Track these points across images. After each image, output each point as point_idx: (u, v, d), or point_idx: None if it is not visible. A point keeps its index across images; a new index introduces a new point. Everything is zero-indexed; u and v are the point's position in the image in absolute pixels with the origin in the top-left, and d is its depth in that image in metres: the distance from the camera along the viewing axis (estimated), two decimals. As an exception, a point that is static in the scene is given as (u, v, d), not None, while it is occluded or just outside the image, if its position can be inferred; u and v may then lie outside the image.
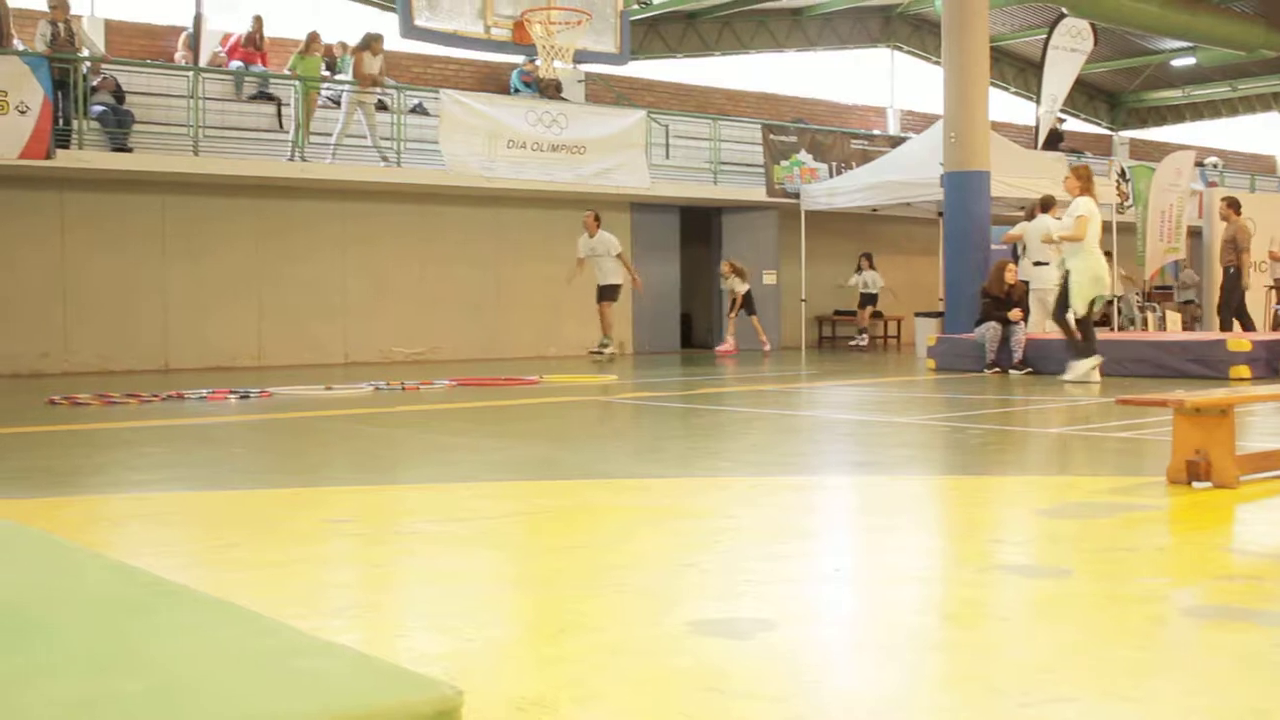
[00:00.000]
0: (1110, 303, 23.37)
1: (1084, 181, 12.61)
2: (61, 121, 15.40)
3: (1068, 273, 12.60)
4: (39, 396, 11.49)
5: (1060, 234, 12.68)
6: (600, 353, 18.10)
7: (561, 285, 18.58)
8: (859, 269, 22.25)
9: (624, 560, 4.16)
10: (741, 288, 19.85)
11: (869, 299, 22.00)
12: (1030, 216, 16.07)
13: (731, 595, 3.63)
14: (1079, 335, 12.75)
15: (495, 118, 18.07)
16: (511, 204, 19.53)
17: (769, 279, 22.00)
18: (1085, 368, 12.75)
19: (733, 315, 20.11)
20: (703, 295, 22.55)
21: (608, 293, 18.26)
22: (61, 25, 16.07)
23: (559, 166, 18.53)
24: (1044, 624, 3.39)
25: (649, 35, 24.53)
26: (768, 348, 20.17)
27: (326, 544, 4.64)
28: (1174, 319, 22.10)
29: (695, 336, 22.92)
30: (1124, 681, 2.80)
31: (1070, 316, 12.64)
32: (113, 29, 18.94)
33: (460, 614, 3.48)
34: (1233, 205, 18.25)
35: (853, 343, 22.30)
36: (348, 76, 18.07)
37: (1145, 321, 22.38)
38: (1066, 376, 12.76)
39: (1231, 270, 18.04)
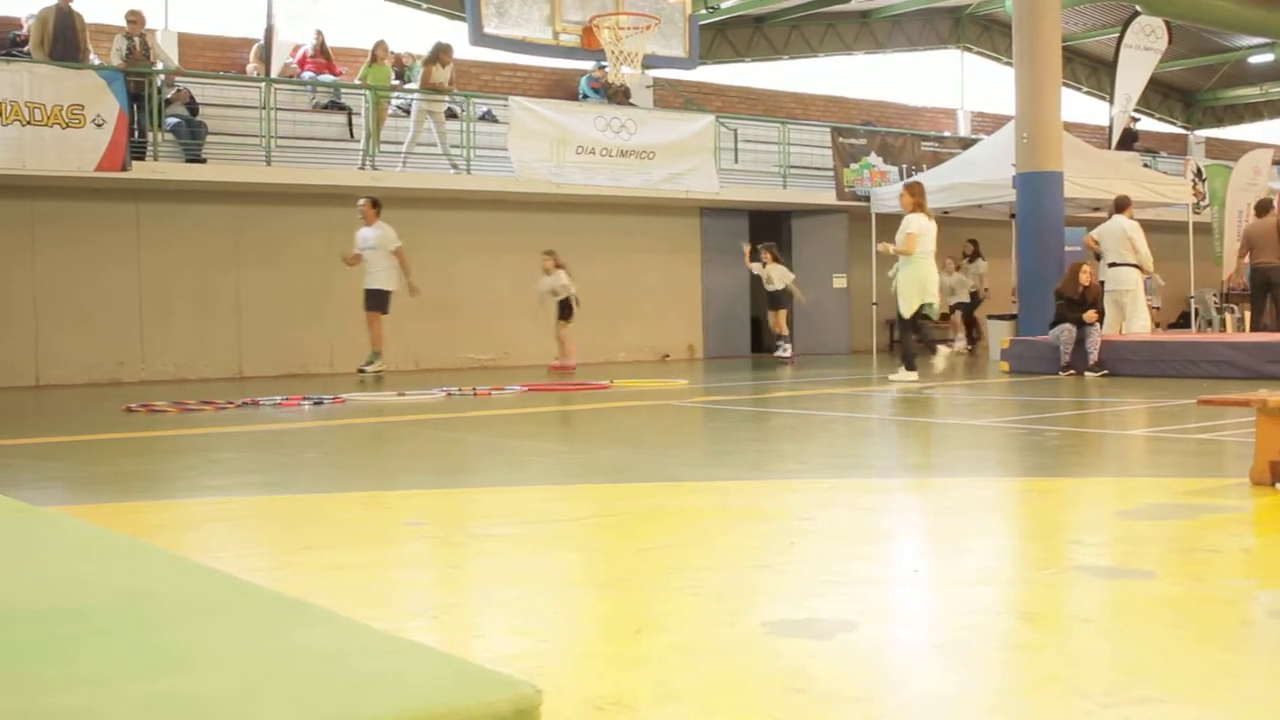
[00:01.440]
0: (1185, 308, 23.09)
1: (916, 198, 13.83)
2: (137, 134, 15.62)
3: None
4: (117, 404, 11.64)
5: (894, 248, 13.90)
6: (365, 370, 15.54)
7: (630, 289, 18.59)
8: (760, 261, 18.82)
9: (700, 562, 4.14)
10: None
11: (775, 298, 18.85)
12: (1110, 216, 15.90)
13: (810, 596, 3.60)
14: (912, 342, 14.14)
15: (564, 124, 18.12)
16: (580, 209, 19.57)
17: (839, 283, 21.92)
18: (908, 379, 13.57)
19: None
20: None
21: (376, 300, 15.57)
22: (137, 39, 16.30)
23: (628, 172, 18.56)
24: (1127, 626, 3.33)
25: (717, 40, 24.50)
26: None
27: (403, 546, 4.65)
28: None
29: (765, 341, 22.85)
30: (1212, 684, 2.75)
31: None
32: (186, 42, 19.16)
33: (537, 615, 3.48)
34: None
35: (779, 354, 18.90)
36: (417, 85, 18.19)
37: (1224, 323, 22.07)
38: (892, 378, 13.82)
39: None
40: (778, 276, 18.59)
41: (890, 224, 21.00)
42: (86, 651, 2.17)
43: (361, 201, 15.59)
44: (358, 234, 15.59)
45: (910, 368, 13.83)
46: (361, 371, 15.59)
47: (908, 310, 13.90)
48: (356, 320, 16.96)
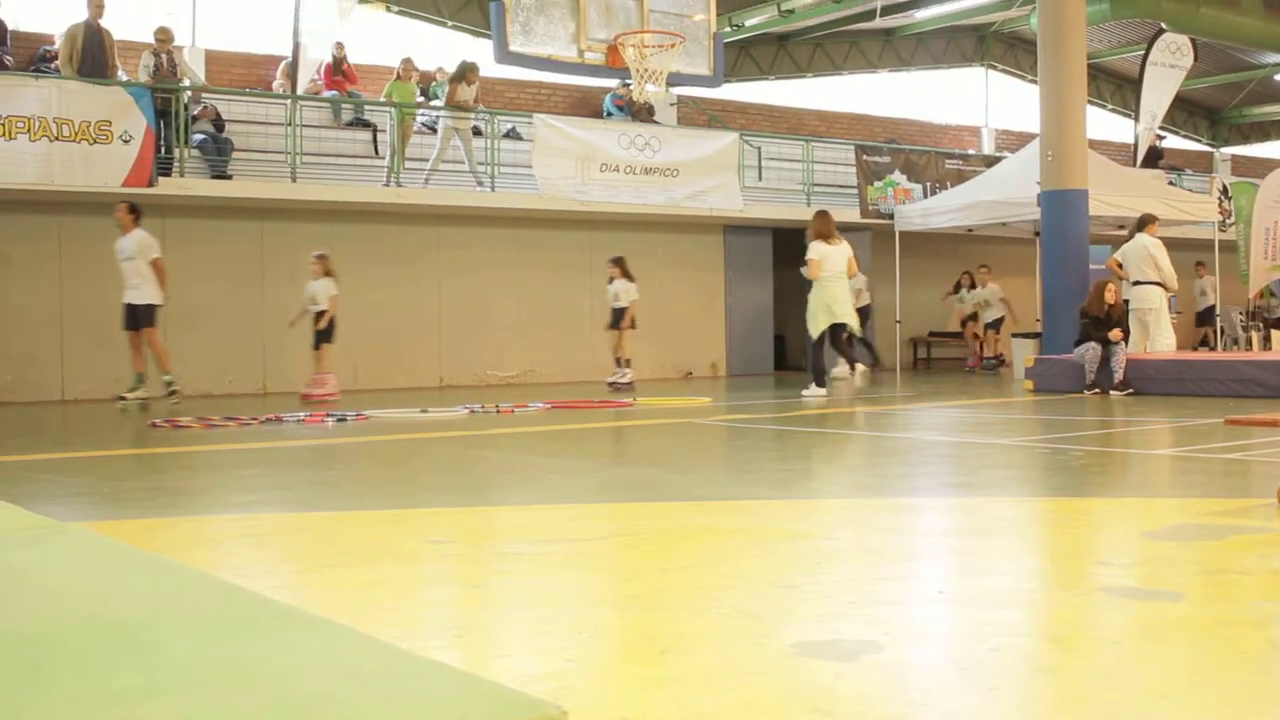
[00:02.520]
0: (1211, 324, 23.00)
1: (815, 227, 14.77)
2: (163, 150, 15.70)
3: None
4: (142, 419, 11.68)
5: (805, 271, 14.93)
6: (125, 399, 13.78)
7: (654, 307, 18.58)
8: (610, 279, 17.28)
9: (725, 582, 4.13)
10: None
11: (618, 314, 17.05)
12: (1131, 236, 15.85)
13: (835, 617, 3.59)
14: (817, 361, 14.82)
15: (588, 141, 18.16)
16: (604, 227, 19.61)
17: (862, 300, 21.89)
18: (817, 395, 14.26)
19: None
20: (796, 317, 22.46)
21: (140, 317, 13.80)
22: (165, 56, 16.41)
23: (652, 189, 18.58)
24: (1156, 648, 3.31)
25: (741, 57, 24.55)
26: None
27: (426, 564, 4.65)
28: (1279, 338, 21.65)
29: (789, 358, 22.84)
30: (1241, 708, 2.73)
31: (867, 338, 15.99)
32: (213, 59, 19.28)
33: (561, 635, 3.47)
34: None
35: (613, 380, 17.08)
36: (443, 103, 18.26)
37: (1249, 341, 21.96)
38: (804, 393, 14.46)
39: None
40: (624, 294, 16.90)
41: (914, 242, 21.05)
42: (117, 669, 2.17)
43: (118, 208, 13.89)
44: (116, 244, 13.85)
45: (820, 384, 14.56)
46: (122, 399, 13.77)
47: (815, 331, 14.73)
48: (375, 336, 17.02)
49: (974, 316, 21.81)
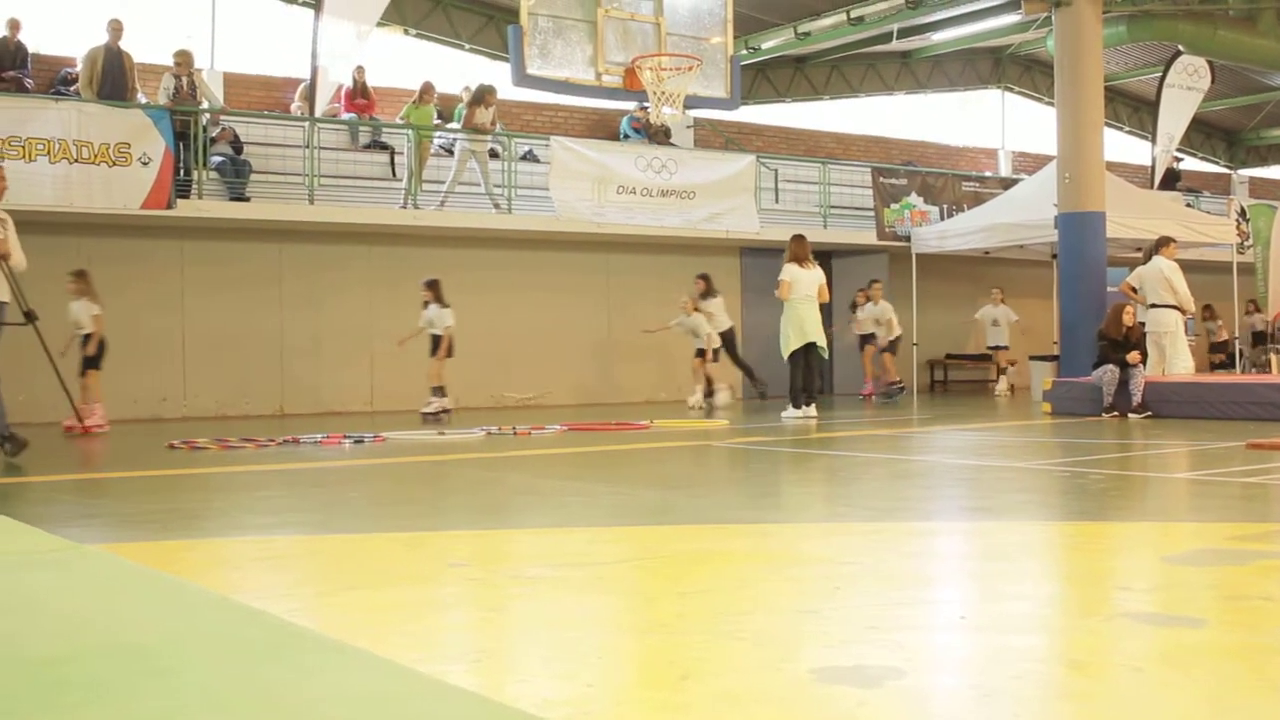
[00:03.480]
0: (1226, 349, 22.93)
1: (792, 249, 15.03)
2: (182, 172, 15.77)
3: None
4: (159, 440, 11.70)
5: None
6: None
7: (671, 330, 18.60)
8: (425, 304, 16.23)
9: (744, 606, 4.11)
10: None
11: (435, 341, 16.06)
12: (1148, 259, 15.82)
13: (856, 642, 3.57)
14: (794, 382, 15.02)
15: (605, 163, 18.20)
16: (621, 249, 19.64)
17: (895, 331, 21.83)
18: (795, 416, 14.58)
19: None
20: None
21: None
22: (184, 79, 16.50)
23: (668, 211, 18.60)
24: (1178, 675, 3.28)
25: (758, 80, 24.58)
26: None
27: (445, 588, 4.64)
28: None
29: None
30: (1267, 735, 2.71)
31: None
32: (231, 81, 19.36)
33: (580, 659, 3.46)
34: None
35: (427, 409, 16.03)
36: (460, 125, 18.31)
37: (1269, 364, 21.87)
38: (783, 415, 14.82)
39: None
40: (438, 319, 16.02)
41: (931, 264, 21.03)
42: (137, 694, 2.17)
43: None
44: None
45: (796, 405, 14.87)
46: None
47: (786, 352, 15.07)
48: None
49: (871, 338, 20.25)
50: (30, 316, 10.13)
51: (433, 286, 16.11)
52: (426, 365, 15.95)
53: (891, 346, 19.79)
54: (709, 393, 17.72)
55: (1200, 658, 3.44)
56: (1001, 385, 20.93)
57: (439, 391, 15.95)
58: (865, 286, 20.33)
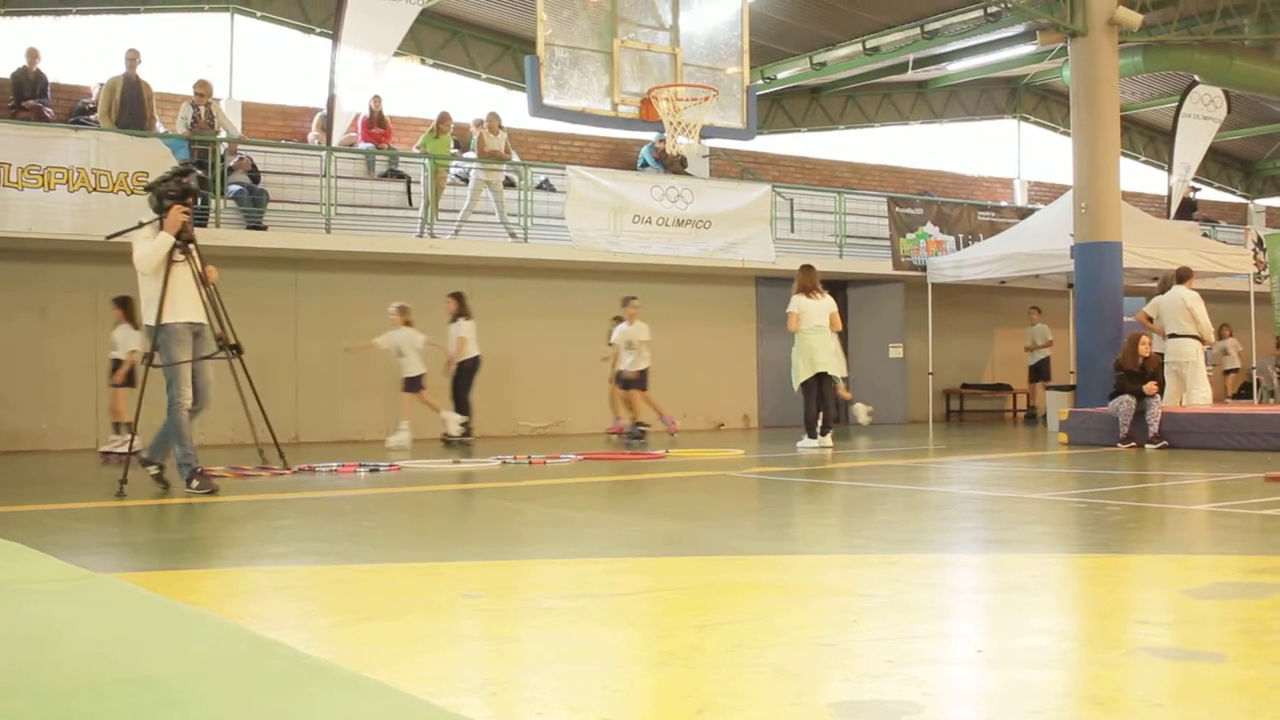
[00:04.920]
0: (1246, 380, 22.85)
1: (799, 280, 15.17)
2: (199, 201, 15.81)
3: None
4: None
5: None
6: None
7: (686, 358, 18.59)
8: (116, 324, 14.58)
9: (762, 639, 4.09)
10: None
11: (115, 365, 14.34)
12: (1164, 289, 15.78)
13: (874, 676, 3.55)
14: (808, 412, 15.02)
15: (620, 193, 18.23)
16: (637, 278, 19.64)
17: (895, 352, 21.82)
18: (810, 447, 14.55)
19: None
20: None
21: None
22: (203, 108, 16.58)
23: (684, 241, 18.62)
24: (1199, 711, 3.26)
25: (774, 110, 24.65)
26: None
27: (460, 619, 4.63)
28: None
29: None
30: (1290, 773, 2.68)
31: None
32: (249, 110, 19.46)
33: (596, 692, 3.44)
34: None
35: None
36: (475, 154, 18.38)
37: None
38: (799, 445, 14.83)
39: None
40: (122, 343, 14.36)
41: (947, 294, 21.01)
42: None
43: None
44: None
45: (812, 435, 14.86)
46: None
47: (796, 382, 15.10)
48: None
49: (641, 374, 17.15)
50: (231, 347, 9.79)
51: (122, 305, 14.29)
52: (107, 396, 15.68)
53: (641, 379, 16.99)
54: (636, 424, 16.79)
55: (1221, 694, 3.41)
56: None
57: (124, 429, 13.64)
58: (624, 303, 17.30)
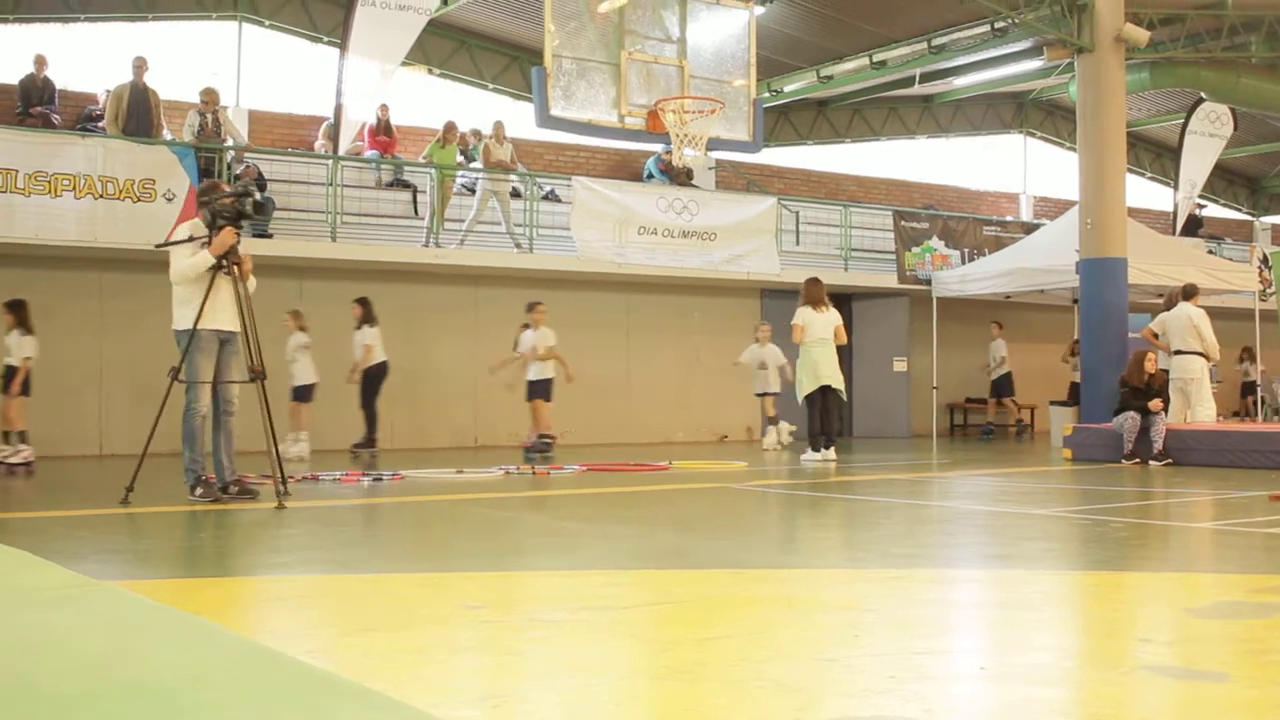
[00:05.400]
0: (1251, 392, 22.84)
1: (805, 293, 15.23)
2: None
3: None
4: (179, 476, 11.69)
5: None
6: None
7: (690, 370, 18.56)
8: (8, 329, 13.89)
9: (763, 653, 4.09)
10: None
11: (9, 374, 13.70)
12: (1170, 305, 15.78)
13: (876, 692, 3.55)
14: (811, 425, 15.05)
15: (626, 204, 18.24)
16: (642, 289, 19.66)
17: (899, 366, 21.81)
18: (813, 460, 14.56)
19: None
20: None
21: None
22: (209, 116, 16.60)
23: (689, 252, 18.62)
24: (1202, 730, 3.26)
25: (780, 123, 24.67)
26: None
27: (462, 630, 4.63)
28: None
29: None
30: (1292, 794, 2.68)
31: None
32: (256, 119, 19.49)
33: (597, 706, 3.44)
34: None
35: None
36: (481, 164, 18.40)
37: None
38: (803, 458, 14.86)
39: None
40: (16, 348, 13.67)
41: (952, 308, 21.00)
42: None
43: None
44: None
45: (815, 449, 14.85)
46: None
47: (801, 395, 15.17)
48: (418, 395, 17.05)
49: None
50: (256, 374, 9.68)
51: (14, 309, 13.76)
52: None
53: (543, 389, 16.06)
54: (540, 437, 15.84)
55: (1223, 713, 3.41)
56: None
57: (16, 437, 13.45)
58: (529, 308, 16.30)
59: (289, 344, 15.68)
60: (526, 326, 16.20)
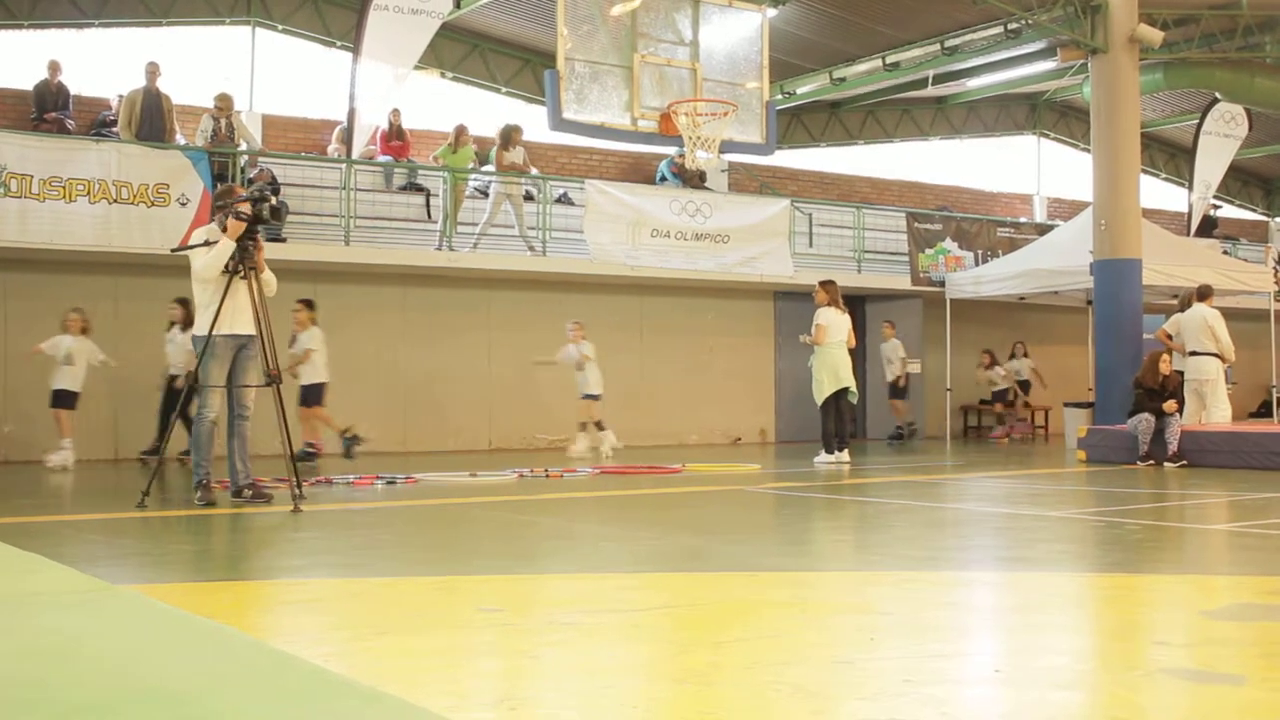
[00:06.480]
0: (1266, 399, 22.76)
1: (830, 293, 15.15)
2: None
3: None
4: (185, 480, 11.72)
5: (807, 339, 15.29)
6: None
7: (703, 372, 18.55)
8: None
9: (779, 656, 4.08)
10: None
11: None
12: (1184, 306, 15.73)
13: (891, 695, 3.54)
14: (826, 427, 15.02)
15: (639, 207, 18.23)
16: (655, 292, 19.65)
17: (913, 368, 21.76)
18: (827, 462, 14.50)
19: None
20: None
21: None
22: (223, 121, 16.63)
23: (703, 255, 18.60)
24: (1220, 733, 3.24)
25: (793, 125, 24.64)
26: None
27: (478, 633, 4.63)
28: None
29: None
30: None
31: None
32: (270, 123, 19.51)
33: (614, 708, 3.44)
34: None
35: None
36: (493, 167, 18.40)
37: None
38: (815, 460, 14.82)
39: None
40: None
41: (966, 309, 20.97)
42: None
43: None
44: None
45: (829, 450, 14.82)
46: None
47: (820, 397, 15.07)
48: (426, 398, 17.06)
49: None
50: (271, 378, 9.64)
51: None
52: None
53: (314, 394, 14.99)
54: (306, 446, 14.45)
55: (1239, 716, 3.39)
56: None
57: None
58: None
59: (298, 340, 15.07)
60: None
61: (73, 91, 17.53)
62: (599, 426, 16.28)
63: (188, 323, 14.60)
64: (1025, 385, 21.93)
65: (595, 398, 16.24)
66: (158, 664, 2.92)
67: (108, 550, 7.09)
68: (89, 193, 14.78)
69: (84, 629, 3.40)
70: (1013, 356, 22.11)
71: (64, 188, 14.68)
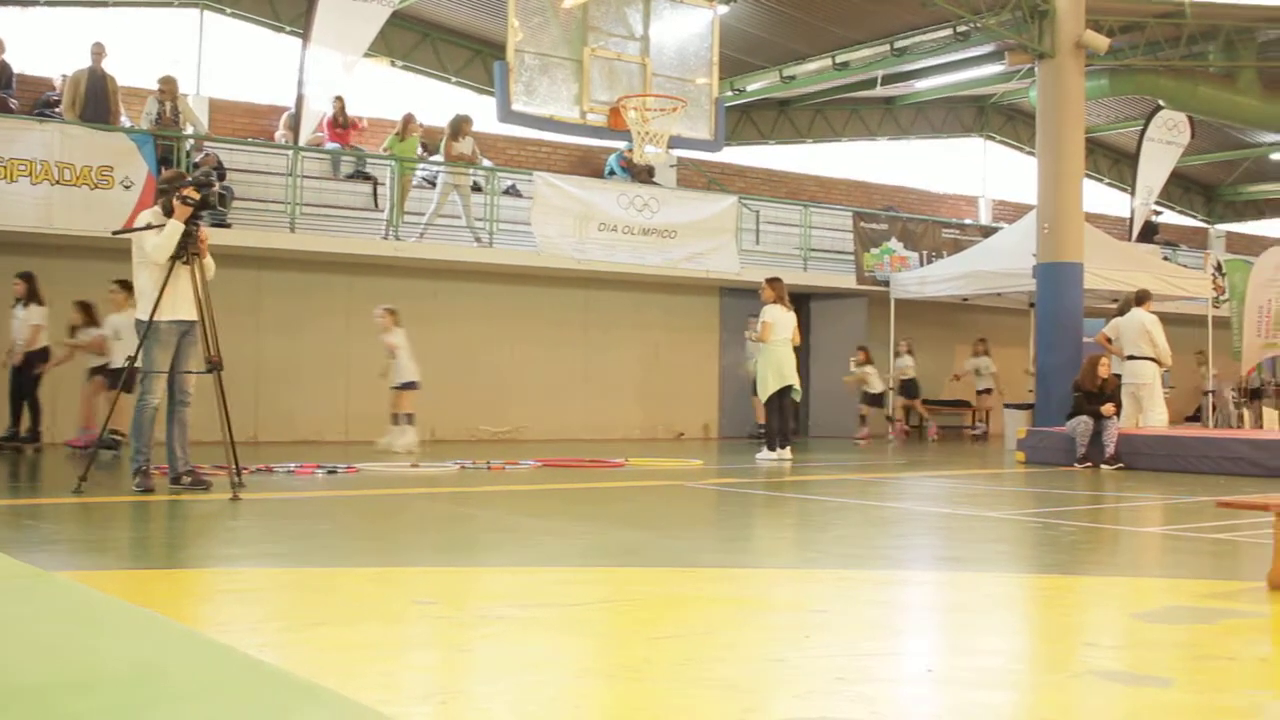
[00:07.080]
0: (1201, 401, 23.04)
1: (776, 291, 15.17)
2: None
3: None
4: (128, 467, 11.62)
5: (753, 336, 15.55)
6: None
7: (648, 367, 18.56)
8: None
9: (713, 653, 4.11)
10: None
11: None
12: (1123, 310, 15.90)
13: (823, 693, 3.57)
14: (770, 424, 15.19)
15: (587, 200, 18.22)
16: (601, 286, 19.65)
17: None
18: (769, 459, 14.63)
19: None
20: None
21: None
22: (168, 104, 16.47)
23: (649, 250, 18.62)
24: (1144, 735, 3.29)
25: (742, 122, 24.69)
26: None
27: (412, 626, 4.62)
28: (1271, 416, 21.66)
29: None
30: (1230, 800, 2.71)
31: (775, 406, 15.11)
32: (216, 107, 19.36)
33: (547, 703, 3.45)
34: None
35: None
36: (442, 158, 18.34)
37: (1241, 419, 21.97)
38: (758, 457, 14.94)
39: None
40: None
41: (910, 309, 21.10)
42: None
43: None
44: None
45: (771, 448, 14.89)
46: None
47: (764, 394, 15.16)
48: (373, 388, 16.94)
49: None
50: (212, 365, 9.52)
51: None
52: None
53: (112, 377, 13.47)
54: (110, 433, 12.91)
55: (1167, 718, 3.44)
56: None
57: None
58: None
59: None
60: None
61: (16, 70, 17.31)
62: (408, 420, 15.27)
63: (30, 298, 14.43)
64: (909, 386, 21.64)
65: (412, 386, 15.12)
66: (91, 652, 2.90)
67: (42, 536, 7.02)
68: (31, 173, 14.63)
69: (16, 616, 3.37)
70: (975, 355, 22.25)
71: (5, 167, 14.52)
